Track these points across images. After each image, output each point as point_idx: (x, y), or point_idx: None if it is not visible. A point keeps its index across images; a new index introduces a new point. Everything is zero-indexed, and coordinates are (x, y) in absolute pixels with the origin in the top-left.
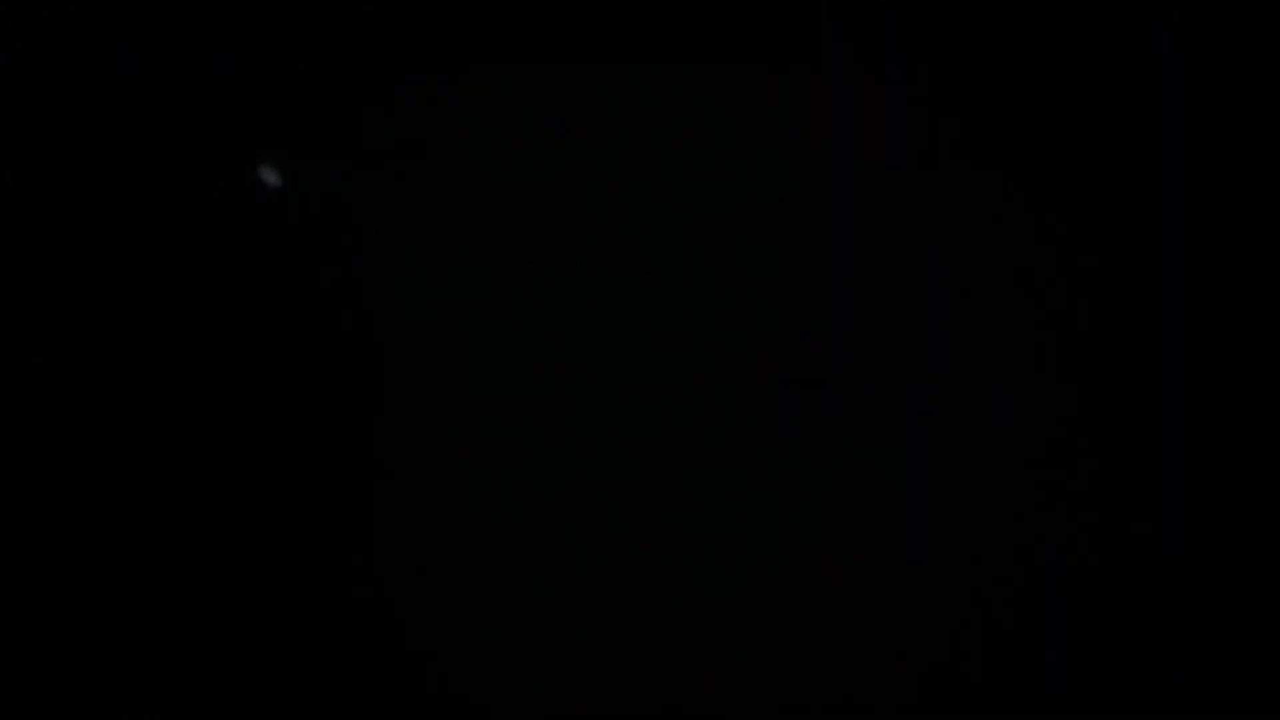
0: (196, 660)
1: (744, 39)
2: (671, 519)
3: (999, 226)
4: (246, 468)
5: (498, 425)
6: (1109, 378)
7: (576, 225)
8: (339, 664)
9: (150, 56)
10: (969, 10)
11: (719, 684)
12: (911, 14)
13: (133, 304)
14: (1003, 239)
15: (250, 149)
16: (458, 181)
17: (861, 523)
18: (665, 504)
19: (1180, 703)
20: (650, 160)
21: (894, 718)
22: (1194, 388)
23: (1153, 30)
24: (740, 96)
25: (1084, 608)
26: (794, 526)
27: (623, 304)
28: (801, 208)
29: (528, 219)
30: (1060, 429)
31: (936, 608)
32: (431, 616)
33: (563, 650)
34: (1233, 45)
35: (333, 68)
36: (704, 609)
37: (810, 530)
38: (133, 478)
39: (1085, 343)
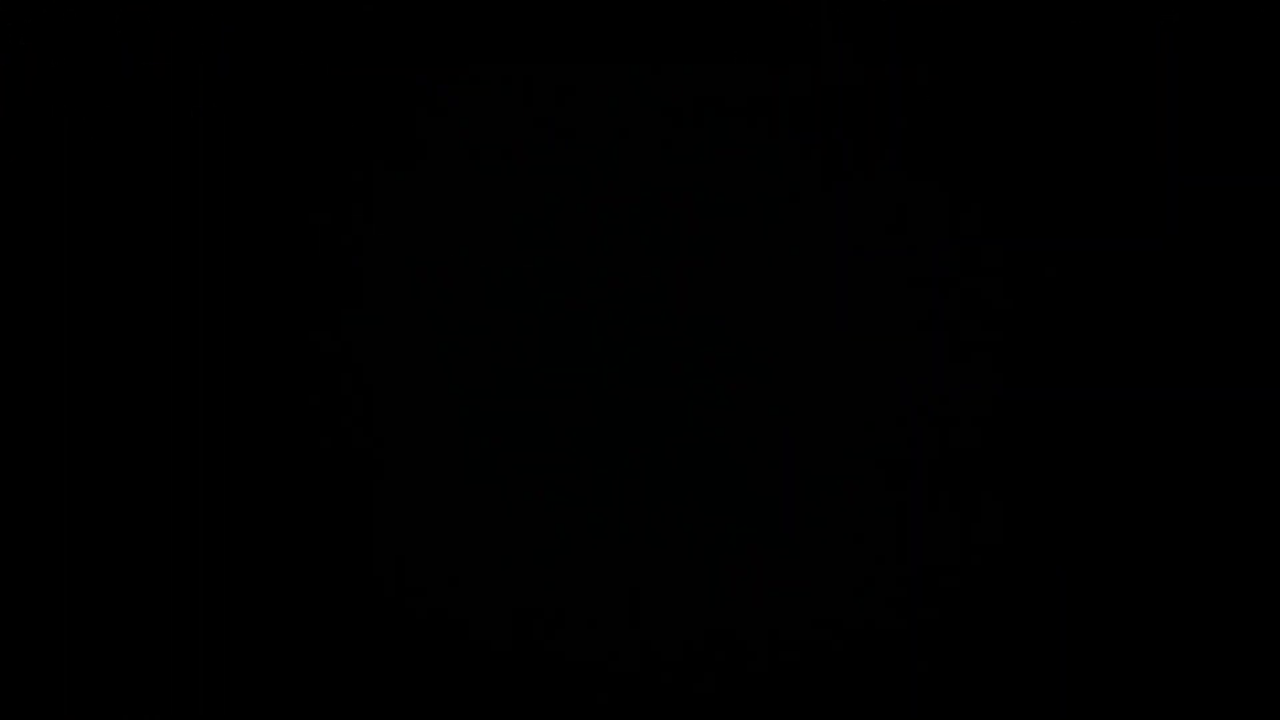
0: (197, 648)
1: (744, 39)
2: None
3: (996, 226)
4: (248, 445)
5: (499, 417)
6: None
7: (575, 224)
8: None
9: (150, 56)
10: (968, 10)
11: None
12: (911, 14)
13: (133, 302)
14: (1002, 238)
15: (250, 149)
16: (458, 181)
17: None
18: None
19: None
20: (649, 160)
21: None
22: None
23: (1152, 31)
24: (740, 96)
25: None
26: (768, 509)
27: (616, 296)
28: (799, 207)
29: (527, 218)
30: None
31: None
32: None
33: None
34: (1233, 48)
35: (333, 68)
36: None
37: (781, 511)
38: (134, 474)
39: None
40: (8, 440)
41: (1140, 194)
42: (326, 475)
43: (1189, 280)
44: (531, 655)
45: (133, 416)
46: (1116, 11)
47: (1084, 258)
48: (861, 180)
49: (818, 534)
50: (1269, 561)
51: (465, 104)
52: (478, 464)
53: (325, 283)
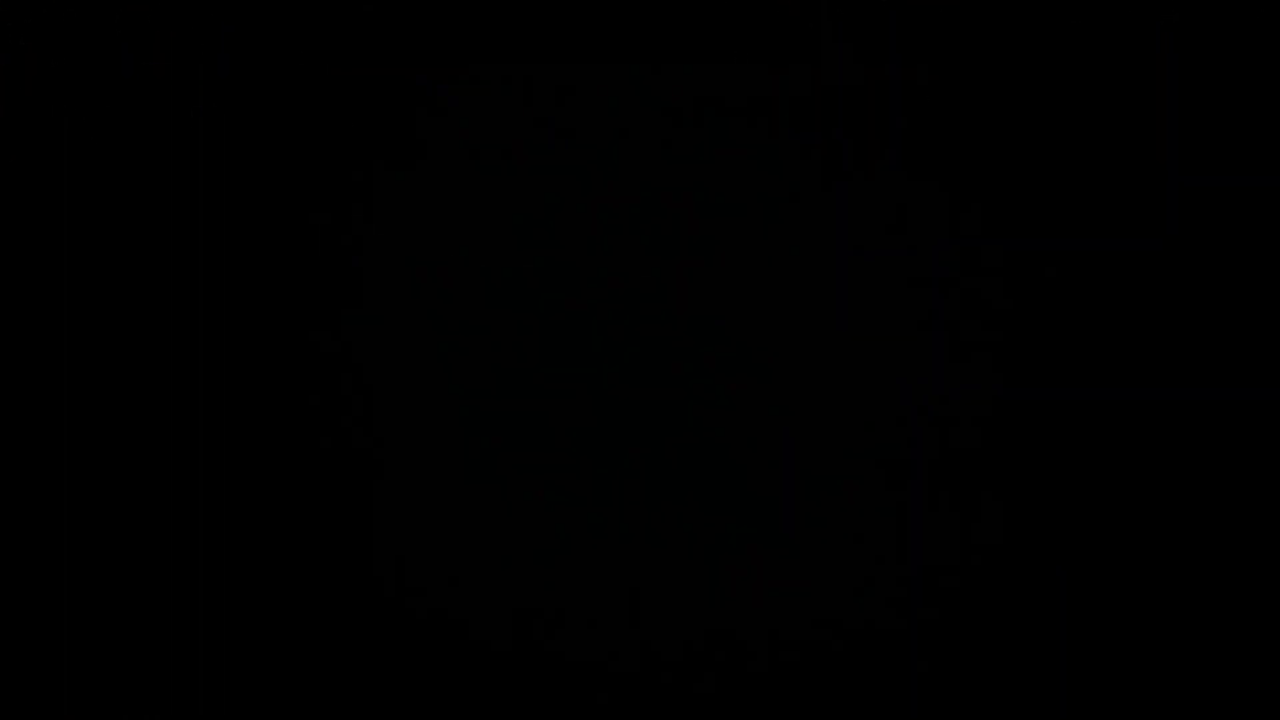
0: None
1: (744, 39)
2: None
3: (996, 226)
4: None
5: (499, 417)
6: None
7: (575, 224)
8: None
9: (150, 56)
10: (968, 10)
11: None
12: (911, 14)
13: (134, 302)
14: (1003, 237)
15: (250, 149)
16: (458, 181)
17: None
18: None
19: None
20: (649, 160)
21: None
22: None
23: (1152, 31)
24: (740, 96)
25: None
26: (769, 509)
27: (616, 295)
28: (799, 207)
29: (527, 218)
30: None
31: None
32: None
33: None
34: (1233, 48)
35: (333, 68)
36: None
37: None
38: (134, 474)
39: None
40: (8, 440)
41: (1140, 194)
42: (326, 475)
43: (1189, 280)
44: (531, 655)
45: (133, 416)
46: (1116, 11)
47: (1084, 258)
48: (861, 180)
49: (818, 534)
50: (1269, 561)
51: (465, 104)
52: (478, 464)
53: (325, 283)
